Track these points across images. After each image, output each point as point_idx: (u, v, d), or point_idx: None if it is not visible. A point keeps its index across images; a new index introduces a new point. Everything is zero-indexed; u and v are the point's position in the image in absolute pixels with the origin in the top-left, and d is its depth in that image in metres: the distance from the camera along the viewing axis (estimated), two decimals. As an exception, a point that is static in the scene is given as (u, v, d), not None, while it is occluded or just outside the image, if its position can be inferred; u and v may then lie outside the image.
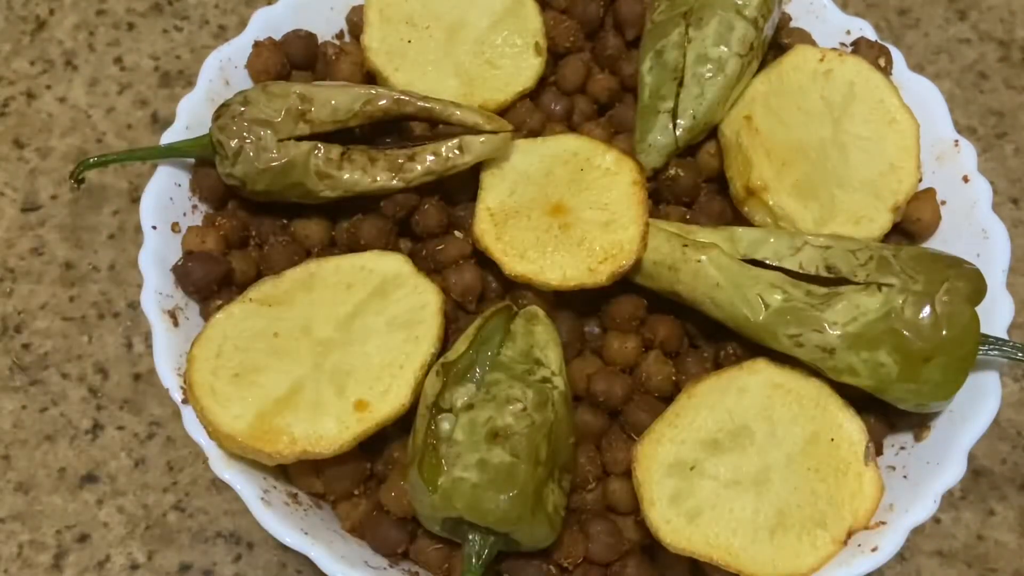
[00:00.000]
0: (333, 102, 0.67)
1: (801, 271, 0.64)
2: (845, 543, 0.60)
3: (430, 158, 0.68)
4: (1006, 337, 0.66)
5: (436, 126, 0.71)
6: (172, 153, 0.69)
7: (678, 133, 0.70)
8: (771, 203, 0.68)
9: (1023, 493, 0.80)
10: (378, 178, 0.67)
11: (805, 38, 0.76)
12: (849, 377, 0.62)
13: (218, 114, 0.67)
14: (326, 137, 0.68)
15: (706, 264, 0.64)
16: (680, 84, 0.70)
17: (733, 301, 0.63)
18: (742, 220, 0.70)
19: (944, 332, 0.60)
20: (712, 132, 0.72)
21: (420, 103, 0.68)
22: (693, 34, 0.71)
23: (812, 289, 0.63)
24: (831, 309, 0.62)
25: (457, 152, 0.67)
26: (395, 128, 0.72)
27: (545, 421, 0.59)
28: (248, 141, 0.66)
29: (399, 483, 0.61)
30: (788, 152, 0.69)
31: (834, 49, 0.73)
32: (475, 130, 0.67)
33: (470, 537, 0.59)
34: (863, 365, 0.61)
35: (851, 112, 0.71)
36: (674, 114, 0.70)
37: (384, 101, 0.68)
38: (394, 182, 0.68)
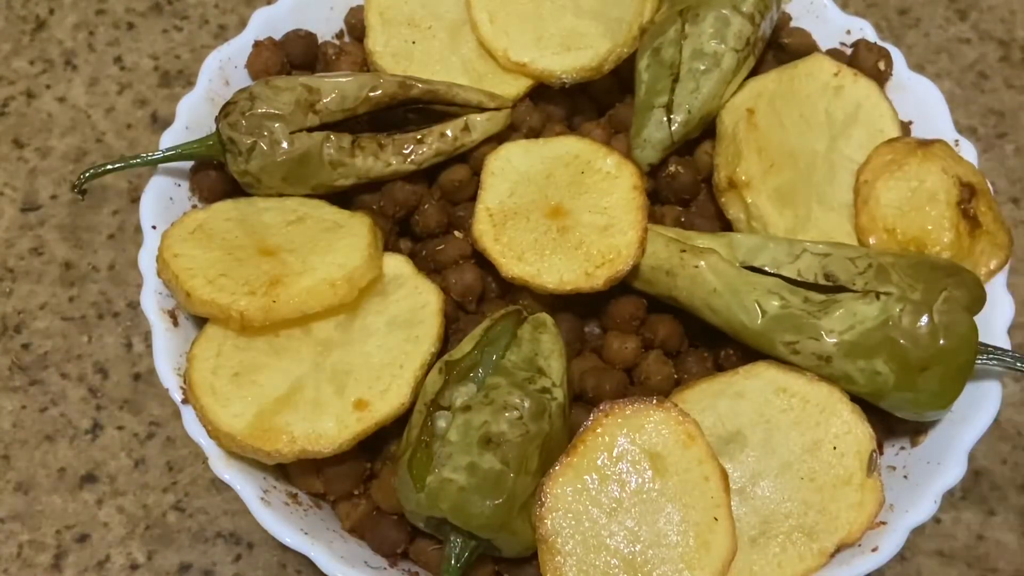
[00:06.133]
0: (340, 91, 0.68)
1: (799, 278, 0.64)
2: (833, 556, 0.60)
3: (438, 139, 0.69)
4: (1006, 342, 0.66)
5: (438, 119, 0.71)
6: (178, 158, 0.69)
7: (673, 128, 0.70)
8: (749, 201, 0.67)
9: (1023, 493, 0.80)
10: (391, 162, 0.68)
11: (805, 37, 0.76)
12: (845, 385, 0.62)
13: (225, 112, 0.67)
14: (334, 127, 0.68)
15: (704, 270, 0.64)
16: (676, 80, 0.70)
17: (730, 307, 0.63)
18: (735, 219, 0.70)
19: (942, 341, 0.60)
20: (709, 131, 0.72)
21: (423, 85, 0.69)
22: (689, 30, 0.71)
23: (810, 296, 0.63)
24: (828, 316, 0.61)
25: (463, 131, 0.69)
26: (396, 123, 0.72)
27: (540, 432, 0.59)
28: (262, 136, 0.66)
29: (391, 479, 0.62)
30: (779, 155, 0.69)
31: (851, 67, 0.72)
32: (479, 108, 0.70)
33: (451, 538, 0.59)
34: (859, 373, 0.61)
35: (849, 134, 0.71)
36: (669, 109, 0.70)
37: (389, 86, 0.69)
38: (406, 165, 0.69)
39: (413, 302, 0.65)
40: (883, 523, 0.61)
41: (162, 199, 0.69)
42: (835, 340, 0.61)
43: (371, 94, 0.69)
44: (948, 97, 0.76)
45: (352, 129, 0.69)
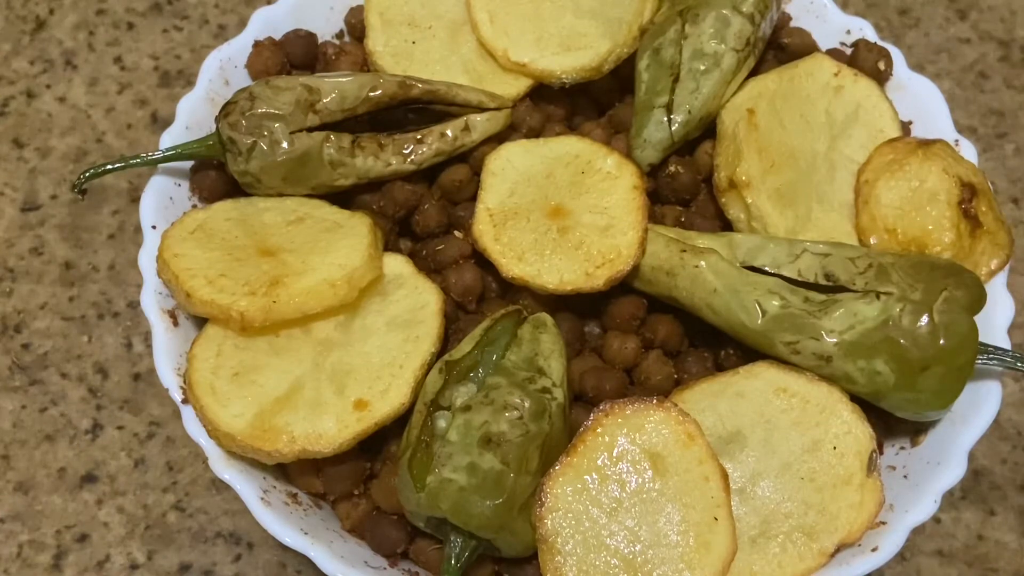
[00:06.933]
0: (340, 91, 0.68)
1: (800, 278, 0.63)
2: (833, 556, 0.60)
3: (438, 139, 0.69)
4: (1006, 342, 0.66)
5: (438, 119, 0.71)
6: (178, 158, 0.69)
7: (673, 128, 0.70)
8: (749, 201, 0.67)
9: (1023, 493, 0.80)
10: (391, 162, 0.69)
11: (805, 37, 0.76)
12: (845, 385, 0.62)
13: (225, 112, 0.67)
14: (334, 127, 0.68)
15: (704, 270, 0.64)
16: (676, 80, 0.70)
17: (730, 307, 0.63)
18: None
19: (942, 341, 0.60)
20: (709, 131, 0.72)
21: (424, 85, 0.69)
22: (689, 30, 0.71)
23: (810, 296, 0.62)
24: (828, 316, 0.61)
25: (463, 131, 0.69)
26: (396, 123, 0.72)
27: (540, 432, 0.59)
28: (263, 136, 0.66)
29: (391, 479, 0.62)
30: (780, 156, 0.69)
31: (851, 67, 0.72)
32: (479, 108, 0.70)
33: (451, 538, 0.59)
34: (859, 373, 0.61)
35: (849, 133, 0.71)
36: (669, 109, 0.70)
37: (389, 86, 0.69)
38: (406, 165, 0.69)
39: (413, 302, 0.65)
40: (883, 523, 0.61)
41: (162, 199, 0.69)
42: (835, 340, 0.61)
43: (371, 94, 0.69)
44: (948, 97, 0.76)
45: (352, 129, 0.69)
